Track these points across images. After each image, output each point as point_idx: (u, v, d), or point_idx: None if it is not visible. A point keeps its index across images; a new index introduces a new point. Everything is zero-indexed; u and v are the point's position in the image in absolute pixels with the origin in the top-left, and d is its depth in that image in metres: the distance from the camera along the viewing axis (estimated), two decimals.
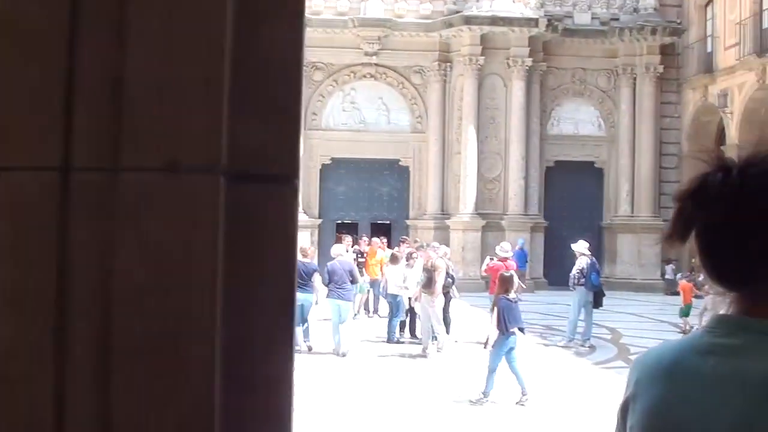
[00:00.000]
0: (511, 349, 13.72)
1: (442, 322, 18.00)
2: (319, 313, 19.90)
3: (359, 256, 24.67)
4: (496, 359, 13.56)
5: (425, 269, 18.64)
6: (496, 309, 13.98)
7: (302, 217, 34.20)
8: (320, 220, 35.26)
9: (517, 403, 13.46)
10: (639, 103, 35.07)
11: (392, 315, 20.16)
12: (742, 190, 1.72)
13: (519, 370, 13.76)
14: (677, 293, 31.38)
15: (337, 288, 18.35)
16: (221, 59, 1.25)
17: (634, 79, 35.26)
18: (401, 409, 12.91)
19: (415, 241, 23.57)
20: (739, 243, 1.71)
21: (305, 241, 33.21)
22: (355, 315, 24.11)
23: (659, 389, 1.76)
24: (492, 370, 13.53)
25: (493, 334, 13.71)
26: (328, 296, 18.70)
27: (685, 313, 22.40)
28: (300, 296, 17.47)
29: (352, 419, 12.21)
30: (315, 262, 19.58)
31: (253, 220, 1.27)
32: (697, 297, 21.50)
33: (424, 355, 17.79)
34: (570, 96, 36.07)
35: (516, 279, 20.11)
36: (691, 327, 21.69)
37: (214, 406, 1.21)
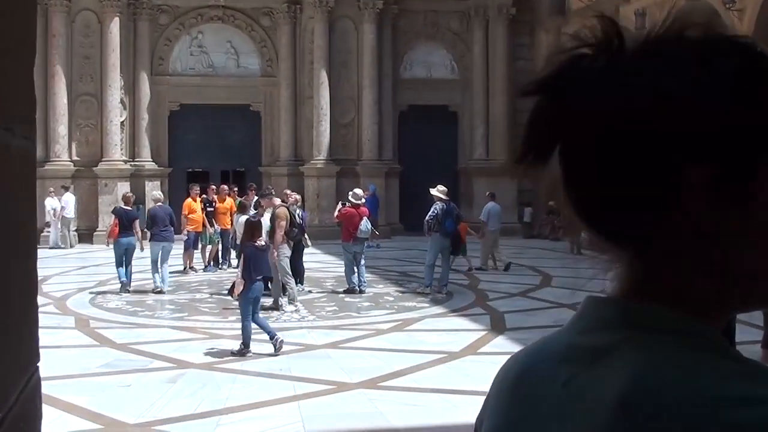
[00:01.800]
0: (257, 298, 13.44)
1: (289, 273, 17.34)
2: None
3: (208, 205, 23.75)
4: (246, 307, 13.20)
5: (271, 218, 17.94)
6: (242, 256, 13.53)
7: (151, 166, 33.23)
8: (170, 169, 34.20)
9: (273, 354, 13.00)
10: (492, 45, 34.86)
11: None
12: (637, 80, 1.04)
13: (262, 319, 13.62)
14: (535, 236, 31.74)
15: (161, 231, 19.79)
16: None
17: (487, 21, 34.99)
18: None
19: (267, 188, 22.81)
20: (620, 170, 1.04)
21: (154, 190, 32.26)
22: (206, 267, 23.42)
23: (503, 410, 1.19)
24: (245, 318, 13.14)
25: (239, 282, 13.32)
26: (152, 239, 19.82)
27: (463, 251, 22.36)
28: (124, 241, 19.43)
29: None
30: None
31: None
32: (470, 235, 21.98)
33: (275, 307, 17.10)
34: (422, 39, 35.62)
35: (369, 226, 19.69)
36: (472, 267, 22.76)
37: None
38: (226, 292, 18.33)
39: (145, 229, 20.23)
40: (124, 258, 19.42)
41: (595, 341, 1.08)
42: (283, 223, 17.30)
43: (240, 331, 13.18)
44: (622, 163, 1.04)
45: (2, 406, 1.64)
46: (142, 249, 19.76)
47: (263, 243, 13.94)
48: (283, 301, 17.16)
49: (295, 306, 16.89)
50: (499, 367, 1.25)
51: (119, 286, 19.47)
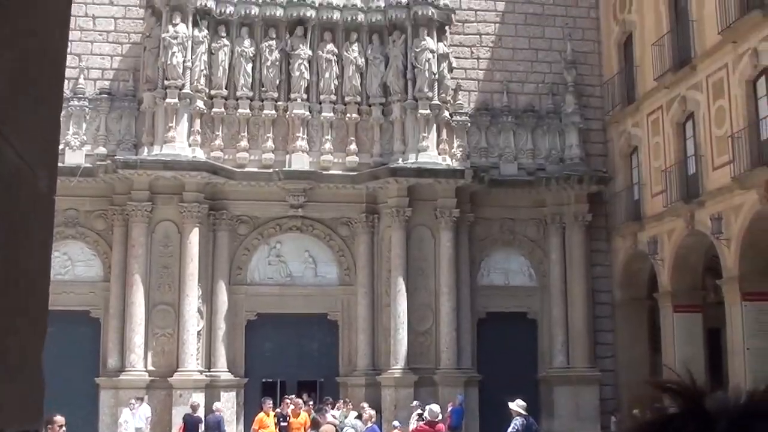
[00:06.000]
0: None
1: None
2: None
3: (282, 420, 23.29)
4: None
5: None
6: None
7: (227, 376, 33.09)
8: (246, 380, 33.86)
9: None
10: (569, 252, 34.70)
11: None
12: None
13: None
14: None
15: None
16: None
17: (563, 228, 34.99)
18: None
19: (325, 401, 22.69)
20: None
21: (230, 402, 32.07)
22: None
23: None
24: None
25: None
26: None
27: None
28: None
29: None
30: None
31: None
32: None
33: None
34: (499, 246, 35.57)
35: None
36: None
37: None
38: None
39: None
40: None
41: None
42: None
43: None
44: None
45: None
46: None
47: None
48: None
49: None
50: None
51: None
